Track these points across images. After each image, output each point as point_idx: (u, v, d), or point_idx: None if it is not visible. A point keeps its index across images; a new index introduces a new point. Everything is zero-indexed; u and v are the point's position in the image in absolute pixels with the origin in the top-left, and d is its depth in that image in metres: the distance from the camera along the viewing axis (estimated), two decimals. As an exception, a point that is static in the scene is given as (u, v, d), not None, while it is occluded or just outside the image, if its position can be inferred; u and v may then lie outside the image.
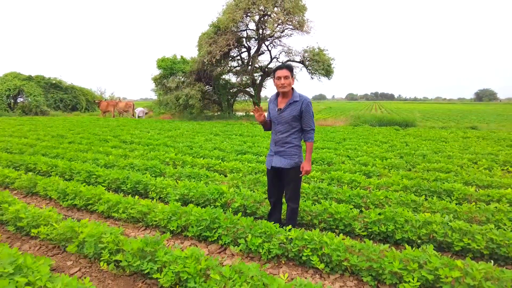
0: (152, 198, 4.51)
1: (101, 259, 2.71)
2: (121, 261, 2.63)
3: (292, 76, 2.99)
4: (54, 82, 30.94)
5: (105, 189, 4.62)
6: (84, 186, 4.42)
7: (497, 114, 34.14)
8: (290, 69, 2.99)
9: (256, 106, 3.03)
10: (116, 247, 2.74)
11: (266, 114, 3.23)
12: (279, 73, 2.95)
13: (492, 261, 2.62)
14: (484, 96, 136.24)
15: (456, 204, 4.06)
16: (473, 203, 3.86)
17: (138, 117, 23.83)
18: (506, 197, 4.05)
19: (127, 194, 4.76)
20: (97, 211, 4.05)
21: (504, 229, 3.18)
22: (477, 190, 4.51)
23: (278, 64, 16.50)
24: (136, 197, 3.98)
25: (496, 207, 3.58)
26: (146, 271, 2.50)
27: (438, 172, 5.58)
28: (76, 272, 2.70)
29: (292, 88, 3.07)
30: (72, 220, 3.20)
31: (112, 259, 2.70)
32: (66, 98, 30.49)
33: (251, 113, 21.68)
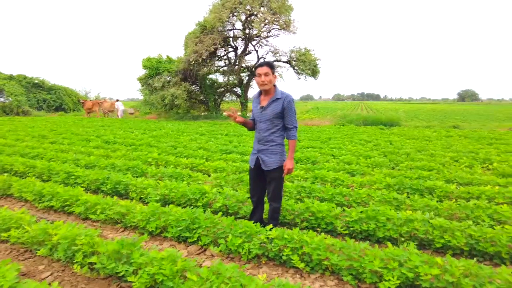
0: (132, 199, 4.40)
1: (75, 262, 2.61)
2: (95, 263, 2.53)
3: (273, 73, 2.95)
4: (36, 81, 30.16)
5: (84, 190, 4.49)
6: (62, 187, 4.28)
7: (478, 114, 34.98)
8: (271, 66, 2.95)
9: (227, 113, 2.97)
10: (91, 249, 2.64)
11: (250, 114, 3.18)
12: (260, 70, 2.92)
13: (475, 258, 2.63)
14: (467, 96, 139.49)
15: (437, 201, 4.09)
16: (454, 200, 3.89)
17: (122, 110, 23.42)
18: (485, 194, 4.10)
19: (107, 195, 4.63)
20: (74, 212, 3.92)
21: (483, 225, 3.22)
22: (458, 187, 4.55)
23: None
24: (115, 197, 3.87)
25: (475, 203, 3.62)
26: (121, 274, 2.41)
27: (421, 170, 5.63)
28: (48, 276, 2.59)
29: (274, 86, 3.03)
30: (46, 222, 3.08)
31: (86, 261, 2.60)
32: (49, 99, 29.77)
33: (238, 113, 21.61)
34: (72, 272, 2.63)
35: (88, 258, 2.60)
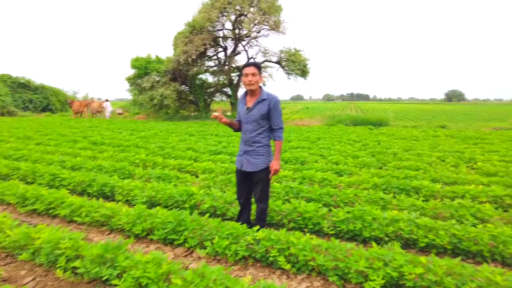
0: (119, 201, 4.34)
1: (58, 266, 2.56)
2: (79, 267, 2.49)
3: (260, 74, 2.95)
4: (22, 81, 29.57)
5: (69, 192, 4.40)
6: (46, 189, 4.20)
7: (465, 114, 35.65)
8: (258, 66, 2.96)
9: (214, 114, 2.97)
10: (75, 253, 2.60)
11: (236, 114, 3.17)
12: (247, 70, 2.92)
13: (459, 257, 2.68)
14: (454, 96, 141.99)
15: (423, 201, 4.15)
16: (439, 200, 3.95)
17: (110, 111, 23.11)
18: (469, 193, 4.17)
19: (93, 197, 4.56)
20: (59, 215, 3.86)
21: (466, 224, 3.27)
22: (444, 186, 4.62)
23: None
24: (101, 199, 3.82)
25: (459, 203, 3.68)
26: (105, 278, 2.38)
27: (408, 170, 5.70)
28: (30, 281, 2.53)
29: (260, 87, 3.03)
30: (28, 226, 3.02)
31: (69, 266, 2.55)
32: (36, 99, 29.20)
33: (228, 114, 21.56)
34: (55, 277, 2.58)
35: (71, 262, 2.56)
